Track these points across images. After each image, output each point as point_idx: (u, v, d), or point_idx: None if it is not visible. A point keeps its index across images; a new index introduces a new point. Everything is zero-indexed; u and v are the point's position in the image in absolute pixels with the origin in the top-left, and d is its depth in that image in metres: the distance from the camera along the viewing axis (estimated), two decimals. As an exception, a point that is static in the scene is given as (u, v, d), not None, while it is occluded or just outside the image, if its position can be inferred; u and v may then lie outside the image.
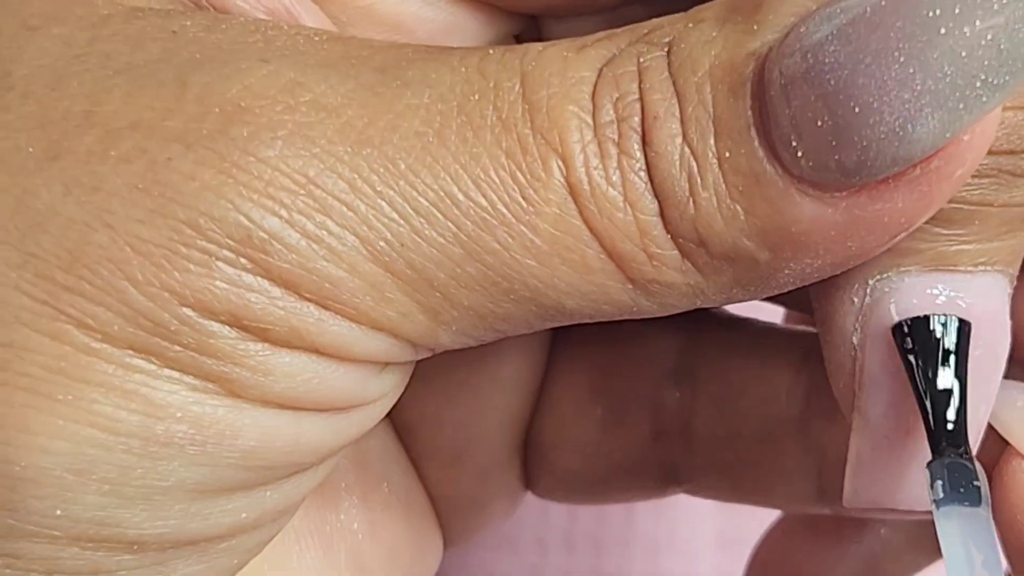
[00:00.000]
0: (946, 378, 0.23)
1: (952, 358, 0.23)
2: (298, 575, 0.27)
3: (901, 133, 0.20)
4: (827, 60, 0.20)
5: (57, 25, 0.22)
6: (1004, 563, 0.24)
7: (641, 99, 0.21)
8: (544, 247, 0.21)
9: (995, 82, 0.20)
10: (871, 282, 0.23)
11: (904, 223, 0.21)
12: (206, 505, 0.22)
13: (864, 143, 0.20)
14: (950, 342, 0.23)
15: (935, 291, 0.23)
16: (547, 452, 0.31)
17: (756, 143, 0.21)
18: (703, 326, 0.30)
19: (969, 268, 0.23)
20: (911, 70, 0.20)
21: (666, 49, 0.22)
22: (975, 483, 0.23)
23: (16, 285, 0.21)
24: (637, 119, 0.21)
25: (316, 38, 0.23)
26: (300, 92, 0.22)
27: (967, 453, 0.23)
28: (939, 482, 0.22)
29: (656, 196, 0.21)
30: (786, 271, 0.22)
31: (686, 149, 0.21)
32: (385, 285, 0.21)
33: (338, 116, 0.21)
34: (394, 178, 0.21)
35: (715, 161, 0.21)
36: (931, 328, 0.23)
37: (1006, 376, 0.25)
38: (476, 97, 0.22)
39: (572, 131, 0.21)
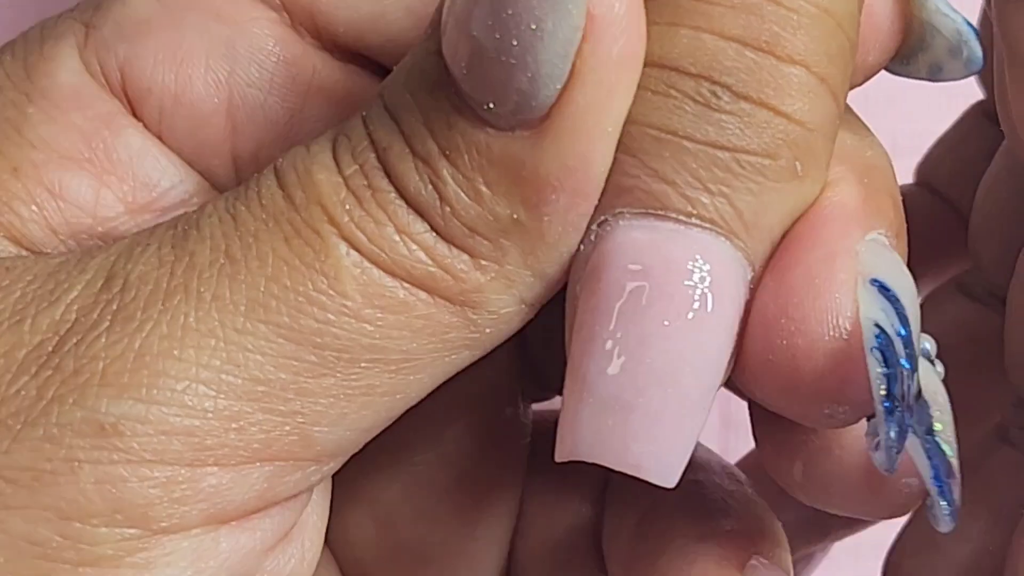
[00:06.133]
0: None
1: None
2: None
3: (538, 32, 0.21)
4: (461, 17, 0.22)
5: None
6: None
7: (371, 139, 0.23)
8: (361, 306, 0.23)
9: None
10: (594, 227, 0.23)
11: (597, 118, 0.22)
12: None
13: (522, 62, 0.22)
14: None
15: (641, 235, 0.23)
16: None
17: (462, 119, 0.22)
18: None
19: (680, 217, 0.23)
20: None
21: (381, 93, 0.24)
22: None
23: None
24: (374, 156, 0.23)
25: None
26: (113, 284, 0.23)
27: None
28: None
29: (419, 214, 0.23)
30: (549, 220, 0.23)
31: (418, 161, 0.23)
32: (242, 414, 0.22)
33: (145, 284, 0.23)
34: (207, 312, 0.22)
35: (441, 156, 0.23)
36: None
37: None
38: (244, 207, 0.23)
39: (328, 194, 0.23)
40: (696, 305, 0.22)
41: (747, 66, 0.22)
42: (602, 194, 0.23)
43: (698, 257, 0.22)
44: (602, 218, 0.23)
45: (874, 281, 0.23)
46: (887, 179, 0.25)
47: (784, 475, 0.25)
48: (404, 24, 0.26)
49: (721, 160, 0.23)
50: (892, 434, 0.22)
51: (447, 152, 0.23)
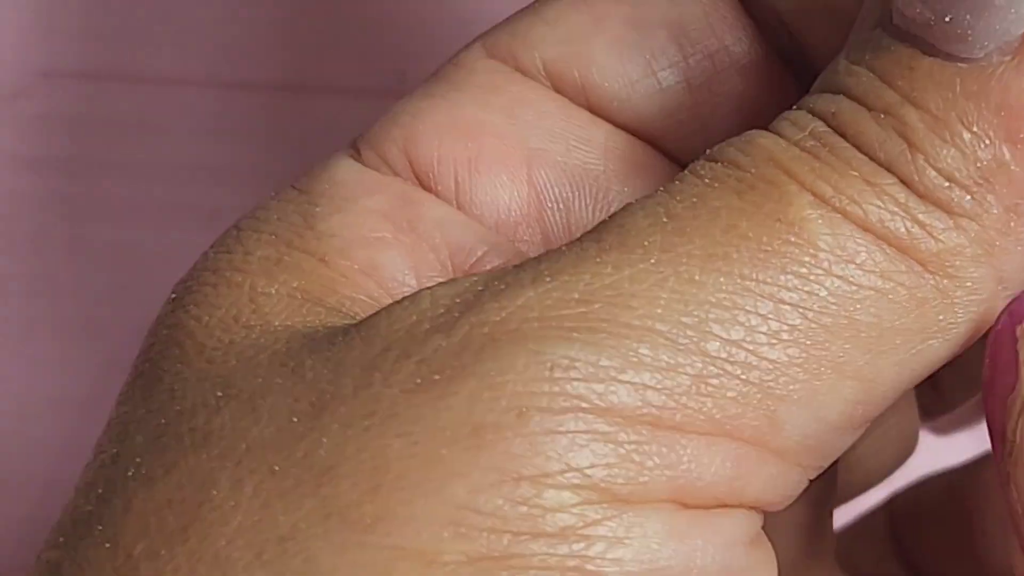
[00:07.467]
0: None
1: None
2: None
3: None
4: None
5: None
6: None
7: (813, 112, 0.21)
8: (831, 259, 0.20)
9: None
10: None
11: None
12: None
13: None
14: None
15: None
16: None
17: (925, 60, 0.21)
18: None
19: None
20: None
21: (818, 80, 0.22)
22: None
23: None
24: (821, 123, 0.21)
25: None
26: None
27: None
28: None
29: (884, 167, 0.21)
30: None
31: (875, 113, 0.21)
32: (707, 374, 0.20)
33: (561, 254, 0.21)
34: (655, 264, 0.20)
35: (904, 102, 0.21)
36: None
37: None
38: (677, 181, 0.21)
39: (778, 152, 0.21)
40: None
41: None
42: None
43: None
44: None
45: None
46: None
47: None
48: (684, 100, 0.24)
49: None
50: None
51: (911, 96, 0.21)
